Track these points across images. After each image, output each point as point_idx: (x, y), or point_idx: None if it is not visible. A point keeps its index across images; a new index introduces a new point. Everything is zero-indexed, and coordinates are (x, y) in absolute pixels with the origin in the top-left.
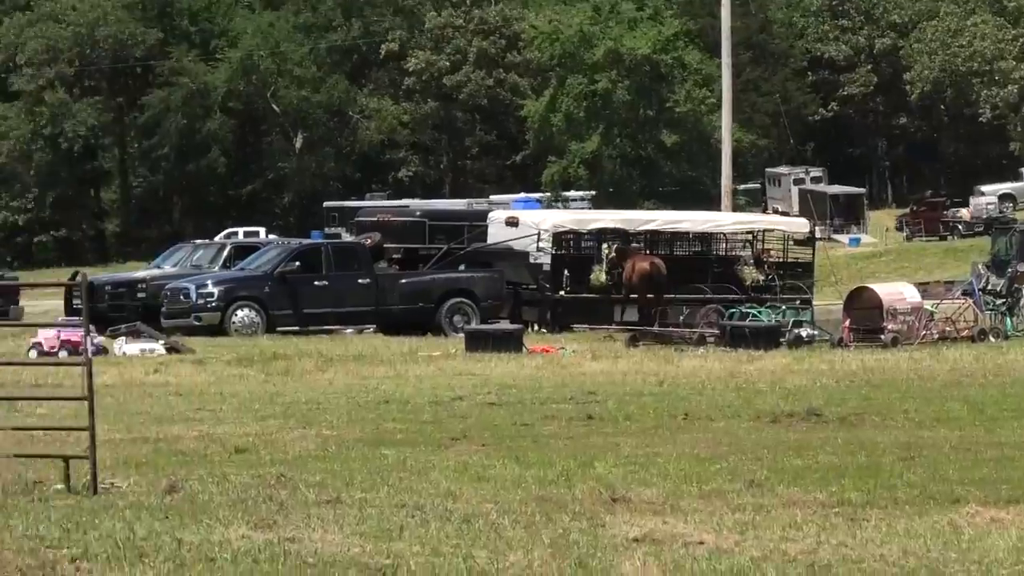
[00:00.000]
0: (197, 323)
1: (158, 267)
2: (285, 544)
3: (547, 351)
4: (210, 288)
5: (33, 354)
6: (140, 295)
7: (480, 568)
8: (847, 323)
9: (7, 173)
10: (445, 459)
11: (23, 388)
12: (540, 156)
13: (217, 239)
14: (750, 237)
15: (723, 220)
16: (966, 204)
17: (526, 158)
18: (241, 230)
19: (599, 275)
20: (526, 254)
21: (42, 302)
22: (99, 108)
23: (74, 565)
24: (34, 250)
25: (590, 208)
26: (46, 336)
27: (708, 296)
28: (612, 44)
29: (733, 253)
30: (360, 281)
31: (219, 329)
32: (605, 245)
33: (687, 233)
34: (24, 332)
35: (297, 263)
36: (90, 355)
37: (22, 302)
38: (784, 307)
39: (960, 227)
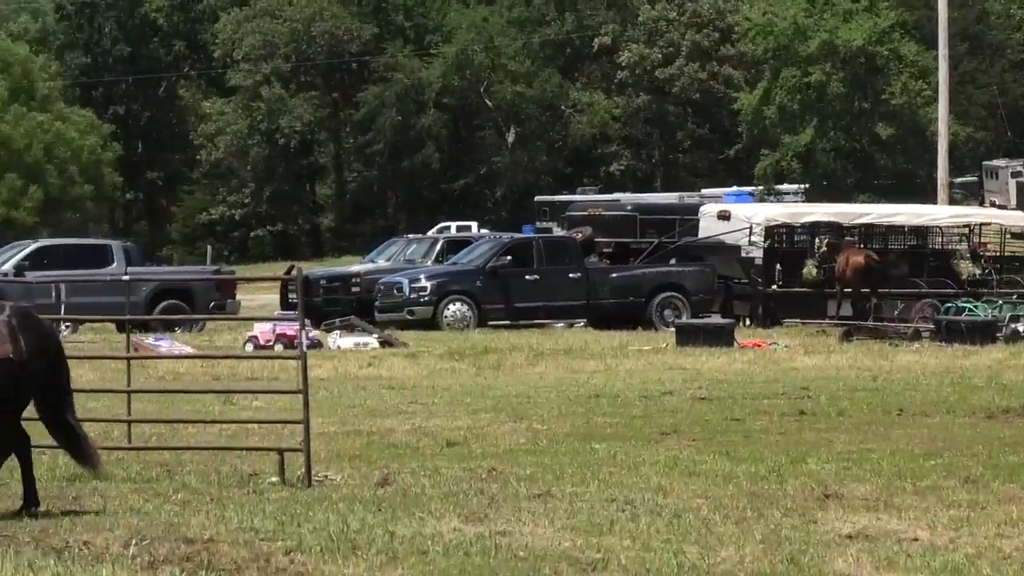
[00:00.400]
0: (410, 317)
1: (372, 261)
2: (496, 537)
3: (758, 346)
4: (423, 282)
5: (249, 347)
6: (354, 289)
7: (691, 563)
8: None
9: (224, 168)
10: (655, 454)
11: (239, 381)
12: (753, 149)
13: (430, 234)
14: (966, 231)
15: (939, 214)
16: None
17: (739, 151)
18: (454, 224)
19: (811, 269)
20: (738, 248)
21: (258, 296)
22: (315, 104)
23: (288, 557)
24: (250, 245)
25: (803, 201)
26: (262, 330)
27: (923, 291)
28: (827, 36)
29: (949, 247)
30: (571, 275)
31: (431, 323)
32: (818, 239)
33: (902, 227)
34: (240, 326)
35: (509, 257)
36: (305, 349)
37: (238, 296)
38: (1001, 301)
39: None
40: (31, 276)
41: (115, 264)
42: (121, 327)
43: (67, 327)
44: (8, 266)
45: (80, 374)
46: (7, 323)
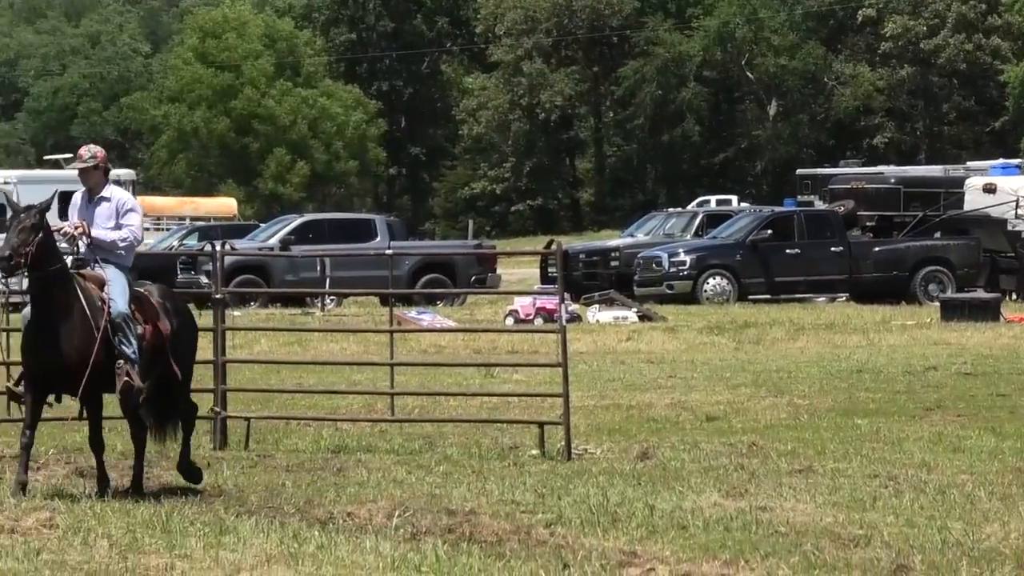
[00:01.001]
0: (669, 291)
1: (631, 236)
2: (756, 512)
3: None
4: (682, 256)
5: (510, 321)
6: (613, 263)
7: (955, 539)
8: None
9: (485, 143)
10: (919, 430)
11: (500, 355)
12: (1020, 122)
13: (690, 207)
14: None
15: None
16: None
17: (1005, 124)
18: (713, 198)
19: None
20: (1004, 221)
21: (518, 270)
22: (575, 78)
23: (548, 530)
24: (511, 219)
25: None
26: (522, 304)
27: None
28: None
29: None
30: (833, 249)
31: (691, 297)
32: None
33: None
34: (501, 300)
35: (769, 231)
36: (564, 323)
37: (499, 270)
38: None
39: None
40: (296, 250)
41: (379, 238)
42: (384, 301)
43: (331, 300)
44: (274, 240)
45: (344, 347)
46: (160, 303)
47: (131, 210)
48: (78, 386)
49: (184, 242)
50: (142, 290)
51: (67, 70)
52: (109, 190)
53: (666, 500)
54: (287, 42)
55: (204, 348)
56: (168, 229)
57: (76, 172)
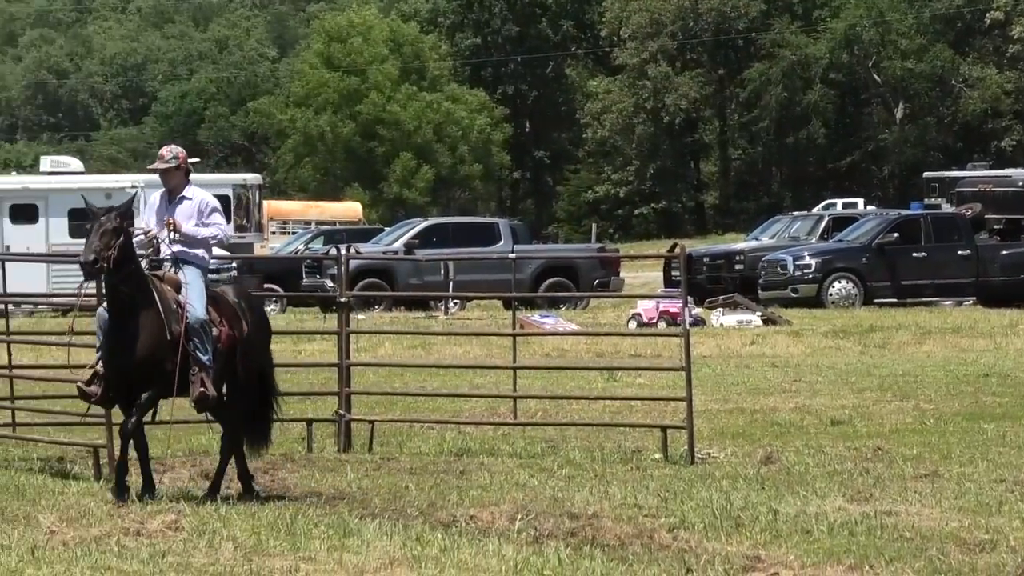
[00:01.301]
0: (794, 295)
1: (756, 239)
2: (881, 517)
3: None
4: (807, 260)
5: (632, 325)
6: (738, 267)
7: None
8: None
9: (609, 146)
10: None
11: (622, 358)
12: None
13: (815, 211)
14: None
15: None
16: None
17: None
18: (839, 201)
19: None
20: None
21: (642, 273)
22: (700, 81)
23: (671, 534)
24: (634, 222)
25: None
26: (645, 307)
27: None
28: None
29: None
30: (960, 252)
31: (816, 301)
32: None
33: None
34: (624, 303)
35: (896, 234)
36: (688, 326)
37: (622, 273)
38: None
39: None
40: (421, 253)
41: (502, 242)
42: (507, 304)
43: (454, 304)
44: (399, 244)
45: (468, 350)
46: (236, 303)
47: (215, 209)
48: (149, 390)
49: (310, 246)
50: (218, 290)
51: (194, 75)
52: (190, 190)
53: (790, 504)
54: (412, 46)
55: (329, 351)
56: (294, 233)
57: (157, 172)
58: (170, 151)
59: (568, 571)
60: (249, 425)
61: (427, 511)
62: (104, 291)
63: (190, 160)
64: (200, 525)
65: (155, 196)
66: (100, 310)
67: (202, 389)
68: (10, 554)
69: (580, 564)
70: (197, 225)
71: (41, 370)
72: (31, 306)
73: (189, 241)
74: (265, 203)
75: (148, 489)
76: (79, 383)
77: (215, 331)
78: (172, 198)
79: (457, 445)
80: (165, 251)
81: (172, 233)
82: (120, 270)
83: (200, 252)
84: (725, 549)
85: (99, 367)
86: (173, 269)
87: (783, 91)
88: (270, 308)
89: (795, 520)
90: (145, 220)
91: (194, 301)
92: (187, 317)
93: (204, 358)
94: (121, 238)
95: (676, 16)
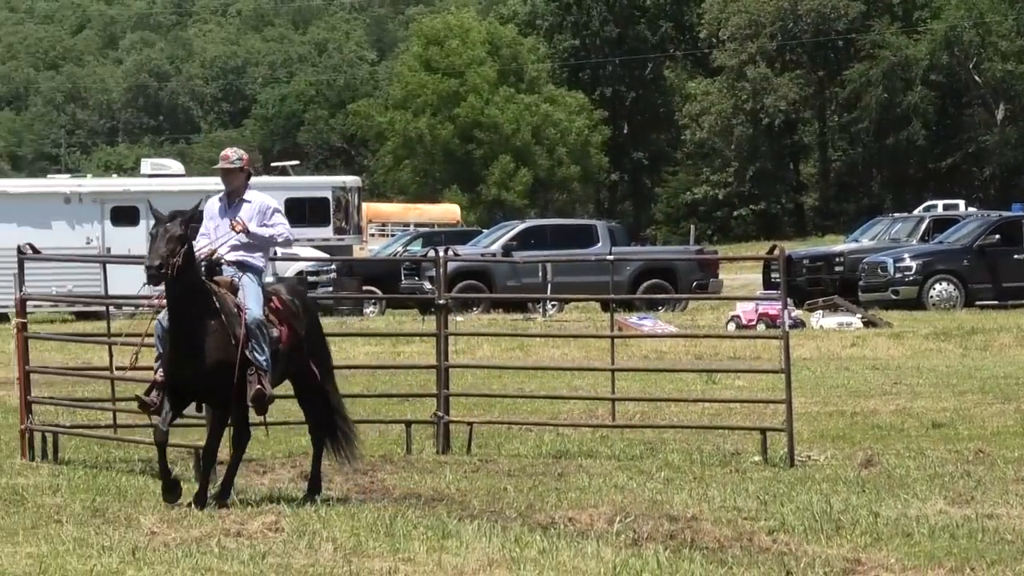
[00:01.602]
0: (894, 297)
1: (856, 240)
2: (983, 520)
3: None
4: (908, 262)
5: (731, 327)
6: (837, 269)
7: None
8: None
9: (708, 148)
10: None
11: (722, 360)
12: None
13: (916, 212)
14: None
15: None
16: None
17: None
18: (940, 203)
19: None
20: None
21: (741, 276)
22: (800, 82)
23: (771, 537)
24: (733, 224)
25: None
26: (744, 309)
27: None
28: None
29: None
30: None
31: (916, 303)
32: None
33: None
34: (723, 305)
35: (997, 236)
36: (787, 328)
37: (721, 275)
38: None
39: None
40: (518, 255)
41: (600, 244)
42: (605, 306)
43: (552, 306)
44: (496, 246)
45: (566, 352)
46: (289, 300)
47: (276, 211)
48: (218, 395)
49: (408, 248)
50: (270, 289)
51: (294, 77)
52: (250, 193)
53: (891, 507)
54: (510, 48)
55: (427, 353)
56: (393, 235)
57: (221, 174)
58: (235, 152)
59: (667, 574)
60: (325, 432)
61: (526, 513)
62: (166, 298)
63: (290, 163)
64: (300, 526)
65: (211, 202)
66: (158, 320)
67: (259, 387)
68: (111, 555)
69: (679, 567)
70: (260, 226)
71: (142, 372)
72: (132, 308)
73: (255, 242)
74: (364, 205)
75: (201, 498)
76: (138, 394)
77: (275, 332)
78: (231, 201)
79: (555, 447)
80: (227, 254)
81: (239, 234)
82: (182, 277)
83: (259, 256)
84: (825, 552)
85: (158, 376)
86: (237, 275)
87: (883, 92)
88: (369, 310)
89: (895, 523)
90: (203, 227)
91: (251, 303)
92: (246, 318)
93: (261, 359)
94: (185, 246)
95: (775, 17)
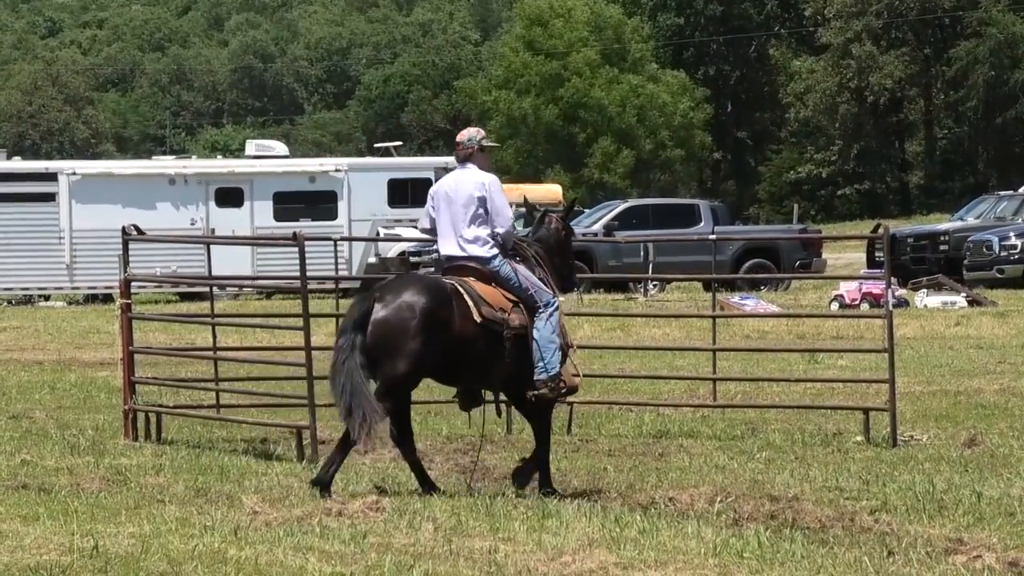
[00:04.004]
0: (999, 275)
1: (961, 219)
2: None
3: None
4: (1013, 240)
5: (835, 306)
6: (942, 247)
7: None
8: None
9: (812, 126)
10: None
11: (824, 340)
12: None
13: (1021, 191)
14: None
15: None
16: None
17: None
18: None
19: None
20: None
21: (844, 255)
22: (906, 60)
23: (873, 517)
24: (837, 203)
25: None
26: (848, 288)
27: None
28: None
29: None
30: None
31: (1021, 281)
32: None
33: None
34: (826, 284)
35: None
36: (891, 308)
37: (824, 255)
38: None
39: None
40: (620, 235)
41: (702, 223)
42: (707, 286)
43: (654, 286)
44: (598, 226)
45: (667, 332)
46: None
47: None
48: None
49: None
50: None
51: (398, 58)
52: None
53: (994, 487)
54: (614, 30)
55: None
56: None
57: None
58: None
59: (768, 554)
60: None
61: (626, 493)
62: None
63: (394, 144)
64: (401, 506)
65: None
66: None
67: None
68: (214, 534)
69: (780, 547)
70: None
71: (245, 352)
72: (236, 289)
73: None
74: None
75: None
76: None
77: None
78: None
79: (656, 427)
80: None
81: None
82: None
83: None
84: (927, 532)
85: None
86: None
87: (990, 70)
88: None
89: (998, 503)
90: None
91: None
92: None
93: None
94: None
95: None
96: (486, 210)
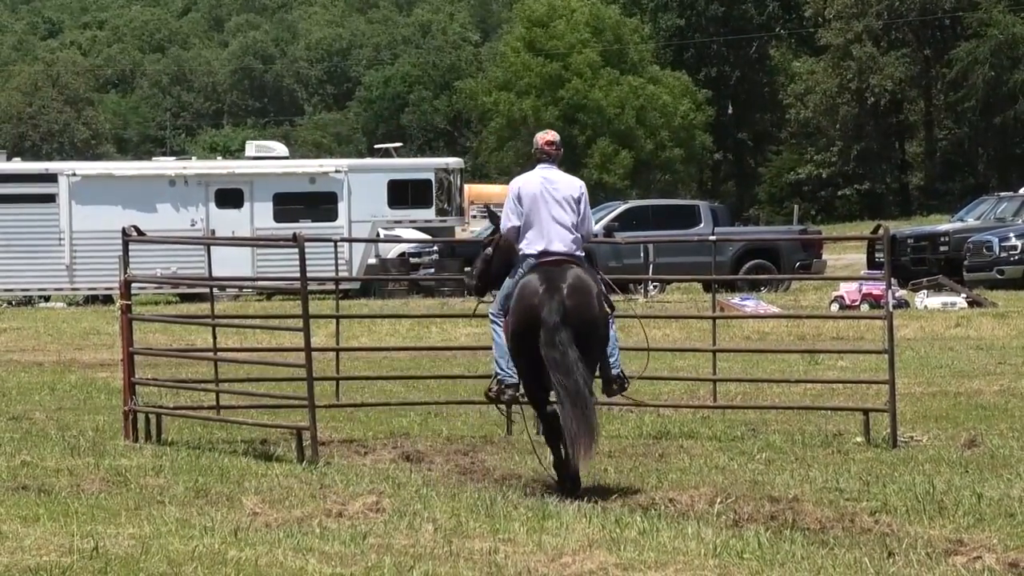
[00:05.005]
0: (999, 276)
1: (961, 220)
2: None
3: None
4: (1013, 241)
5: (835, 307)
6: (942, 248)
7: None
8: None
9: (812, 127)
10: None
11: (824, 341)
12: None
13: (1022, 192)
14: None
15: None
16: None
17: None
18: None
19: None
20: None
21: (844, 256)
22: (906, 61)
23: (873, 518)
24: (837, 204)
25: None
26: (848, 289)
27: None
28: None
29: None
30: None
31: (1022, 282)
32: None
33: None
34: (826, 285)
35: None
36: (891, 308)
37: (825, 255)
38: None
39: None
40: (620, 236)
41: (702, 224)
42: (707, 287)
43: (654, 287)
44: (598, 227)
45: (667, 332)
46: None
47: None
48: None
49: None
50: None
51: (398, 59)
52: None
53: (994, 488)
54: (613, 31)
55: None
56: None
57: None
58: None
59: (768, 555)
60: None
61: (626, 494)
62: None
63: (394, 145)
64: (401, 507)
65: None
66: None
67: None
68: (213, 535)
69: (780, 548)
70: None
71: (245, 353)
72: (236, 290)
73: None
74: (467, 187)
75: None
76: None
77: None
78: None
79: (656, 428)
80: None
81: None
82: None
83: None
84: (927, 533)
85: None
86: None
87: (990, 71)
88: None
89: (999, 504)
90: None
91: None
92: None
93: None
94: None
95: None
96: (578, 212)
